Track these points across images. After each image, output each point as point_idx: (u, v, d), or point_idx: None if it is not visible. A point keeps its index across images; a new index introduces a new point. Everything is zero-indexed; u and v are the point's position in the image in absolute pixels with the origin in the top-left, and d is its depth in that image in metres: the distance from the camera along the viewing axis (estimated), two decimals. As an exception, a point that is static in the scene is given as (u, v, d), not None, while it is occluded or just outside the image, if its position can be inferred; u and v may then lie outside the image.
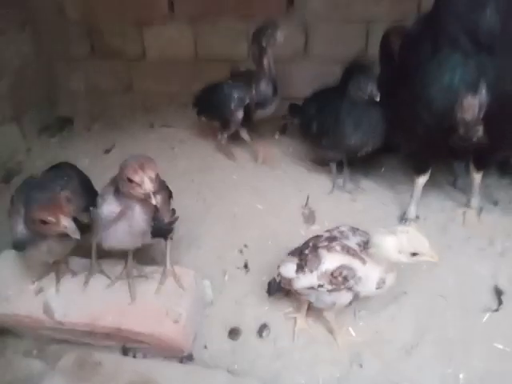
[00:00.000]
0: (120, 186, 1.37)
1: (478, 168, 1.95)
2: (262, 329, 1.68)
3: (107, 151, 2.65)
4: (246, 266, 1.91)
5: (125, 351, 1.65)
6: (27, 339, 1.70)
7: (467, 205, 2.05)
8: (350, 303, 1.55)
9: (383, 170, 2.41)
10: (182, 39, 2.82)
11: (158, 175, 1.35)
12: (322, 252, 1.50)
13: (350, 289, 1.49)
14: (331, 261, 1.48)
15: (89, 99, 3.07)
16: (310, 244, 1.56)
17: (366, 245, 1.49)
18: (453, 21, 1.43)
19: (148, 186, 1.31)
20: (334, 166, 2.27)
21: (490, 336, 1.60)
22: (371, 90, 1.91)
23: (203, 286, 1.76)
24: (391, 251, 1.42)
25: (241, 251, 1.97)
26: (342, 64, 2.21)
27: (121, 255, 1.69)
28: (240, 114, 2.40)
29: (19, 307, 1.61)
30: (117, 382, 1.47)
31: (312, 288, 1.52)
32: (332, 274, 1.47)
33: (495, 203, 2.14)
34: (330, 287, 1.49)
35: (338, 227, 1.60)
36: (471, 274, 1.80)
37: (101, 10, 2.81)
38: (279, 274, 1.58)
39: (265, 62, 2.29)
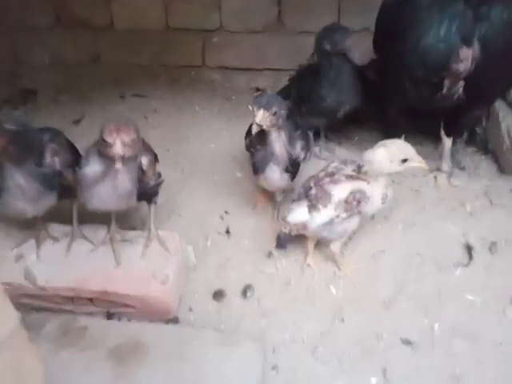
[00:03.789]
0: (99, 146, 1.34)
1: (449, 133, 2.06)
2: (246, 289, 1.71)
3: (76, 122, 2.57)
4: (227, 232, 1.92)
5: (109, 317, 1.62)
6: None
7: (438, 169, 2.14)
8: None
9: (356, 139, 2.48)
10: (152, 8, 2.74)
11: (137, 139, 1.34)
12: (329, 186, 1.56)
13: (359, 212, 1.57)
14: (341, 190, 1.55)
15: (54, 71, 2.94)
16: (312, 185, 1.59)
17: (360, 169, 1.58)
18: None
19: (118, 149, 1.29)
20: (310, 135, 2.30)
21: (461, 288, 1.69)
22: (348, 43, 1.93)
23: (187, 250, 1.76)
24: (383, 162, 1.51)
25: (222, 217, 1.98)
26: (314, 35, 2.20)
27: (102, 221, 1.67)
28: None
29: (-1, 275, 1.55)
30: (104, 346, 1.44)
31: (328, 222, 1.57)
32: (346, 201, 1.54)
33: (462, 168, 2.25)
34: (345, 215, 1.56)
35: (328, 165, 1.66)
36: (444, 232, 1.88)
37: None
38: (287, 224, 1.61)
39: None
